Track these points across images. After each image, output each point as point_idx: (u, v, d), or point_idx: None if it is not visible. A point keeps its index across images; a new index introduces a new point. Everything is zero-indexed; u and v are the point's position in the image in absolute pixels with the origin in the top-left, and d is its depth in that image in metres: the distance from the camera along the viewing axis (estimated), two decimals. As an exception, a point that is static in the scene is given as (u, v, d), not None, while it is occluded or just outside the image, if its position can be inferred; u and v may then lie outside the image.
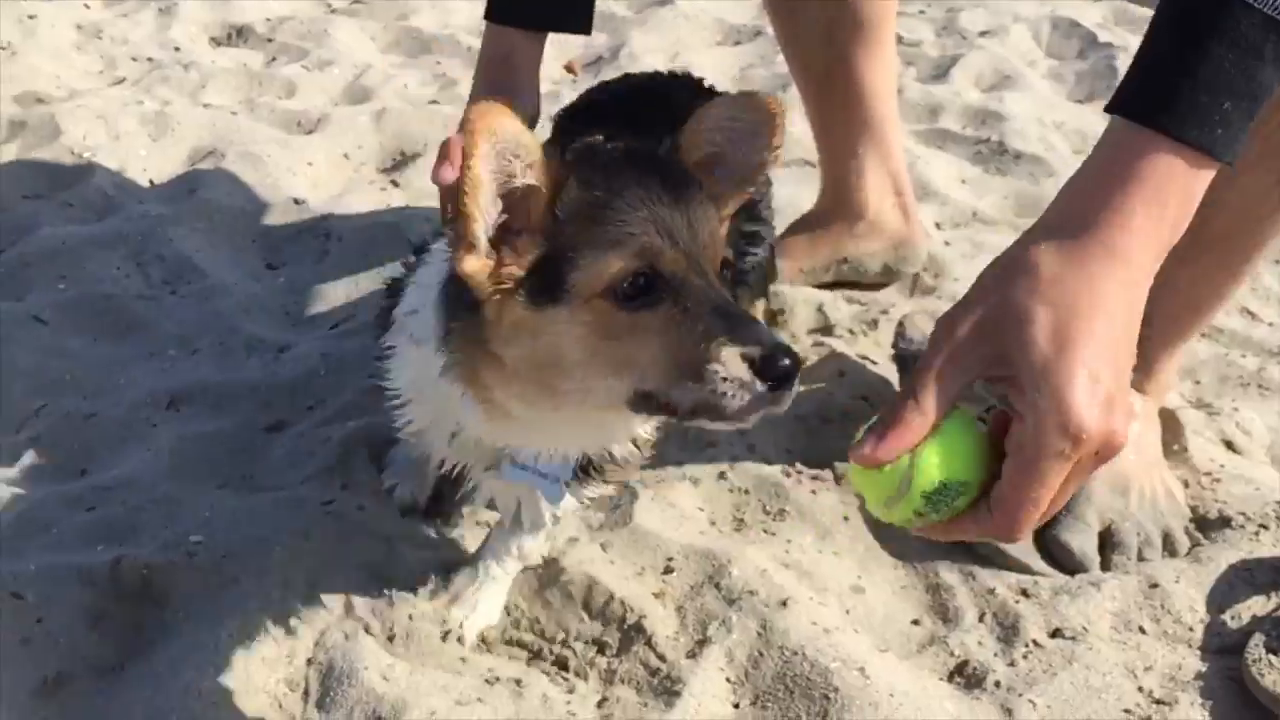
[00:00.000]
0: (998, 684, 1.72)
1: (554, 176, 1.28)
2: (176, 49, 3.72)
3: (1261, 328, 2.59)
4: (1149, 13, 4.66)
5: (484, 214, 1.25)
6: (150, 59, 3.65)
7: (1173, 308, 1.89)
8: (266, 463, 2.09)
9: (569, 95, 3.56)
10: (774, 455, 2.12)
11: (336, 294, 2.59)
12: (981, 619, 1.84)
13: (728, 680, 1.71)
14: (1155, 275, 1.17)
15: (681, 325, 1.24)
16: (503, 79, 1.84)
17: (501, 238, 1.28)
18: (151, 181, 2.96)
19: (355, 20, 4.05)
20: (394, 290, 1.66)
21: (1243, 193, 1.74)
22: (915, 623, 1.85)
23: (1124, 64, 3.81)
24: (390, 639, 1.74)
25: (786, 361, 1.20)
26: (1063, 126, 3.52)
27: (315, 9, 4.21)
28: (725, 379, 1.20)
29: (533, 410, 1.36)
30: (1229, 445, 2.25)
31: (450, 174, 1.55)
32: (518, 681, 1.69)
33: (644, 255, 1.25)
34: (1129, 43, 4.00)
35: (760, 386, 1.20)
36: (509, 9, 1.85)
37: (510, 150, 1.23)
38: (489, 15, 1.87)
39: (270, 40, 3.86)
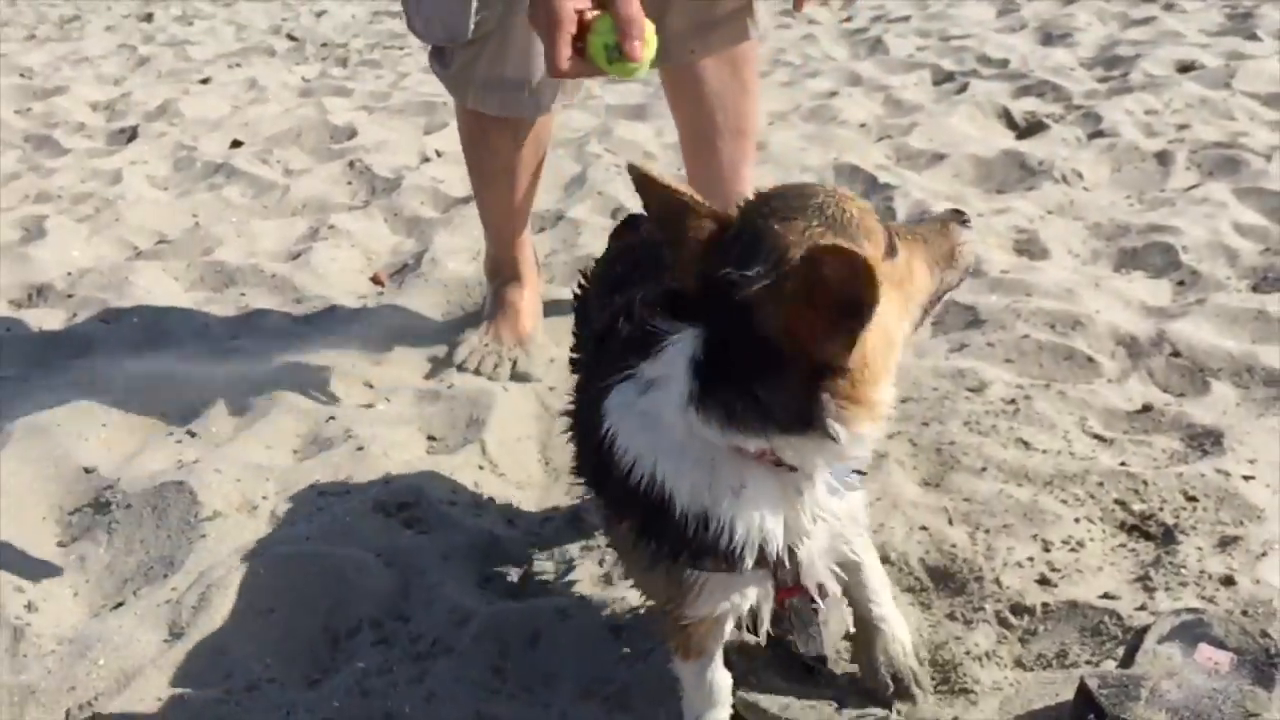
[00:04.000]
0: None
1: None
2: (-33, 321, 3.70)
3: (1036, 456, 2.68)
4: (928, 146, 4.91)
5: None
6: (-62, 335, 3.62)
7: None
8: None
9: (374, 303, 3.63)
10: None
11: (126, 566, 2.55)
12: None
13: None
14: None
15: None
16: None
17: None
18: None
19: (158, 261, 4.08)
20: None
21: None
22: None
23: (902, 205, 4.04)
24: None
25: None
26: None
27: (119, 253, 4.24)
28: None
29: None
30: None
31: None
32: None
33: None
34: (906, 181, 4.23)
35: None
36: None
37: None
38: None
39: (70, 296, 3.86)
